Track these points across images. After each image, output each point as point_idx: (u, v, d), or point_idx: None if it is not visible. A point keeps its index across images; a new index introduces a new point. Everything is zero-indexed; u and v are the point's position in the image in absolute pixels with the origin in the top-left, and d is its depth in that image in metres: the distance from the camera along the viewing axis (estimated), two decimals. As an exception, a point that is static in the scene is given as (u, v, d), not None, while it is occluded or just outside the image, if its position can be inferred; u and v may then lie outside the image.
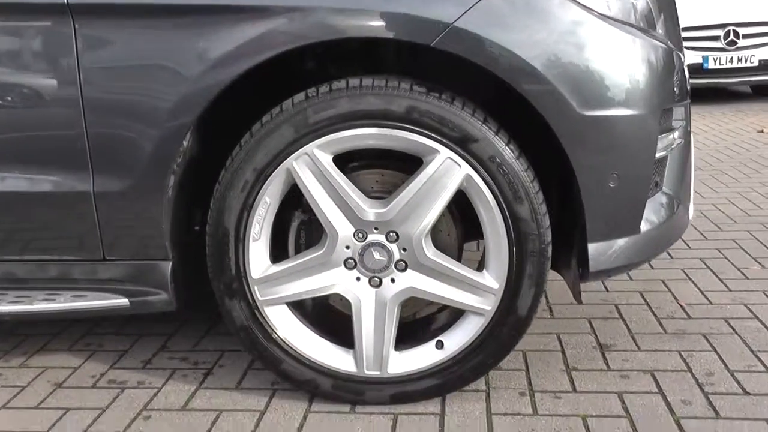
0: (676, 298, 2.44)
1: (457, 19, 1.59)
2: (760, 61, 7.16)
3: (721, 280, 2.59)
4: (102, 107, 1.70)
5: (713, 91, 7.70)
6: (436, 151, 1.65)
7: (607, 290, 2.53)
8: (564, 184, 1.79)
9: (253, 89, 1.78)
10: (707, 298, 2.43)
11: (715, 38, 7.19)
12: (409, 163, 1.78)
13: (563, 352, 2.08)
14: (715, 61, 7.17)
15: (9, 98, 1.75)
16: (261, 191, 1.68)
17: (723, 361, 1.99)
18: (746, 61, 7.20)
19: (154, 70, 1.67)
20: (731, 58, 7.22)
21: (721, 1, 7.26)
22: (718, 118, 6.50)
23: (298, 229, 1.83)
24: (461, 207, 1.84)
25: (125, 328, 2.38)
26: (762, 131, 5.74)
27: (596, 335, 2.18)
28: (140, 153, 1.70)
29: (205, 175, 1.83)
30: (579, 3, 1.64)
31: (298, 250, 1.84)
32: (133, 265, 1.80)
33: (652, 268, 2.73)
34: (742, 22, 7.15)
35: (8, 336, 2.38)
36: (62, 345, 2.29)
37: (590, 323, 2.27)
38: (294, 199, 1.77)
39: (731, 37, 7.18)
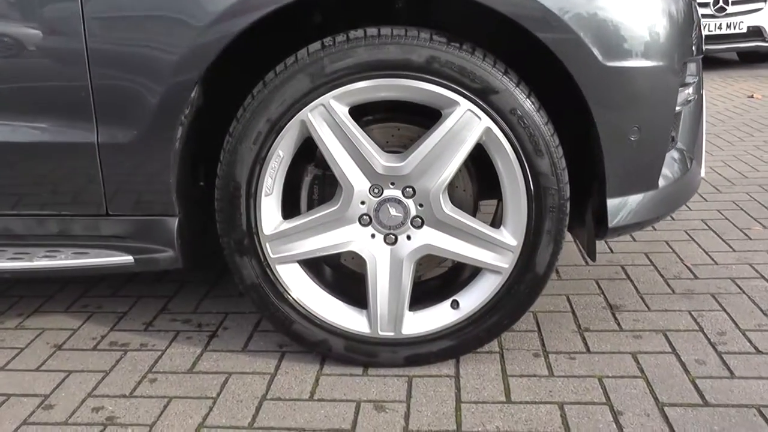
0: (681, 259, 2.42)
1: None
2: (748, 27, 7.14)
3: (724, 241, 2.58)
4: (107, 57, 1.62)
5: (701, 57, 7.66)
6: (456, 103, 1.59)
7: (611, 251, 2.51)
8: (579, 139, 1.74)
9: (260, 42, 1.71)
10: (712, 259, 2.42)
11: (705, 5, 7.14)
12: (423, 117, 1.72)
13: (574, 313, 2.05)
14: (704, 28, 7.13)
15: (11, 46, 1.65)
16: (274, 144, 1.61)
17: (733, 321, 1.98)
18: (735, 28, 7.17)
19: (162, 20, 1.59)
20: (720, 24, 7.19)
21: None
22: (708, 85, 6.48)
23: (311, 184, 1.76)
24: (476, 164, 1.79)
25: (123, 290, 2.31)
26: (752, 96, 5.74)
27: (605, 296, 2.16)
28: (147, 103, 1.62)
29: (210, 128, 1.76)
30: None
31: (310, 207, 1.78)
32: (137, 221, 1.73)
33: (654, 229, 2.71)
34: (732, -12, 7.12)
35: (1, 297, 2.30)
36: (58, 306, 2.22)
37: (598, 284, 2.24)
38: (307, 153, 1.70)
39: (720, 3, 7.14)
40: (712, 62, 7.99)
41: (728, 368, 1.74)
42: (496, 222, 1.96)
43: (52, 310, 2.20)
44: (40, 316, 2.17)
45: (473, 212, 1.80)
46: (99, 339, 2.01)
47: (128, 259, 1.74)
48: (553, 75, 1.64)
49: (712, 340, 1.88)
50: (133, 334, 2.02)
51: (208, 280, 2.35)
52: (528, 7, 1.55)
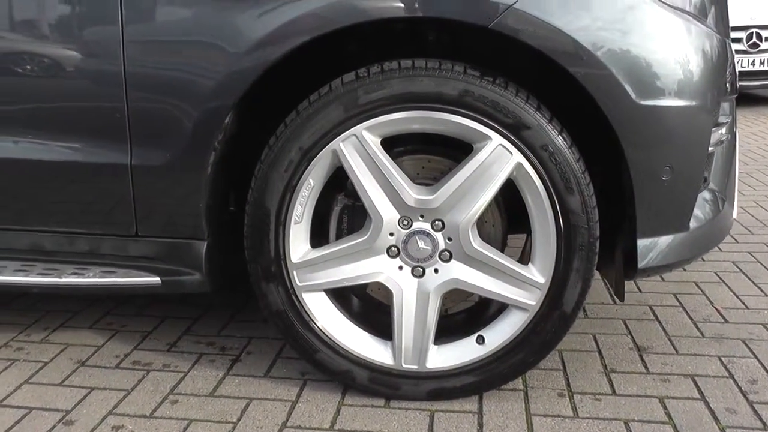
0: (711, 302, 2.38)
1: (517, 0, 1.52)
2: (783, 64, 7.07)
3: (755, 284, 2.53)
4: (144, 79, 1.65)
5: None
6: (488, 138, 1.58)
7: (640, 291, 2.47)
8: (608, 177, 1.73)
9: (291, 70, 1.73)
10: (743, 303, 2.37)
11: (738, 40, 7.09)
12: (454, 150, 1.72)
13: (600, 353, 2.02)
14: (737, 64, 7.08)
15: (50, 67, 1.69)
16: (305, 172, 1.62)
17: (765, 369, 1.93)
18: (769, 65, 7.11)
19: (201, 44, 1.61)
20: (753, 60, 7.13)
21: (744, 3, 7.14)
22: (740, 122, 6.41)
23: (340, 213, 1.76)
24: (506, 197, 1.78)
25: (148, 310, 2.32)
26: (786, 136, 5.66)
27: (632, 336, 2.12)
28: (182, 128, 1.64)
29: (241, 153, 1.77)
30: None
31: (339, 236, 1.77)
32: (166, 243, 1.75)
33: (684, 270, 2.67)
34: (765, 24, 7.05)
35: (28, 310, 2.33)
36: (84, 323, 2.24)
37: (625, 324, 2.21)
38: (336, 182, 1.70)
39: (754, 39, 7.09)
40: (745, 99, 7.91)
41: (760, 419, 1.69)
42: (524, 258, 1.95)
43: (78, 326, 2.22)
44: (65, 331, 2.19)
45: (502, 248, 1.79)
46: (122, 357, 2.01)
47: (155, 280, 1.75)
48: (583, 111, 1.63)
49: (743, 388, 1.83)
50: (157, 354, 2.03)
51: (233, 304, 2.36)
52: (563, 42, 1.54)
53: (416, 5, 1.55)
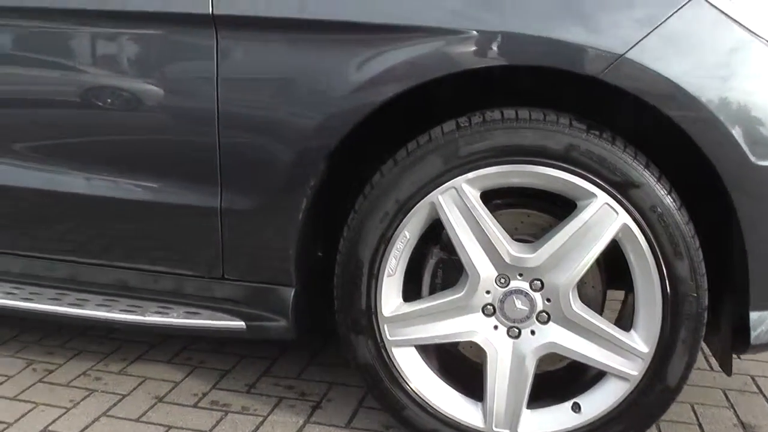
0: (820, 375, 2.20)
1: (628, 50, 1.44)
2: None
3: None
4: (238, 123, 1.63)
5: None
6: (593, 195, 1.50)
7: (739, 358, 2.30)
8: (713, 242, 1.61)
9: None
10: None
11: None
12: (554, 205, 1.64)
13: (701, 427, 1.88)
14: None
15: (143, 105, 1.69)
16: (401, 224, 1.56)
17: None
18: None
19: (298, 88, 1.58)
20: None
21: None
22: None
23: (434, 267, 1.70)
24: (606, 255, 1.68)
25: (226, 347, 2.30)
26: None
27: (735, 411, 1.97)
28: (275, 172, 1.61)
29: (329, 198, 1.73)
30: (760, 37, 1.47)
31: (432, 290, 1.71)
32: (252, 288, 1.72)
33: (785, 334, 2.49)
34: None
35: (106, 339, 2.34)
36: (161, 356, 2.23)
37: (725, 395, 2.06)
38: (431, 234, 1.64)
39: None
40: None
41: None
42: (621, 321, 1.84)
43: (155, 359, 2.21)
44: (143, 364, 2.18)
45: (601, 310, 1.69)
46: (200, 396, 1.99)
47: (240, 324, 1.72)
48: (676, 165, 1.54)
49: None
50: (235, 395, 2.00)
51: (312, 345, 2.31)
52: (678, 96, 1.43)
53: (526, 56, 1.49)
